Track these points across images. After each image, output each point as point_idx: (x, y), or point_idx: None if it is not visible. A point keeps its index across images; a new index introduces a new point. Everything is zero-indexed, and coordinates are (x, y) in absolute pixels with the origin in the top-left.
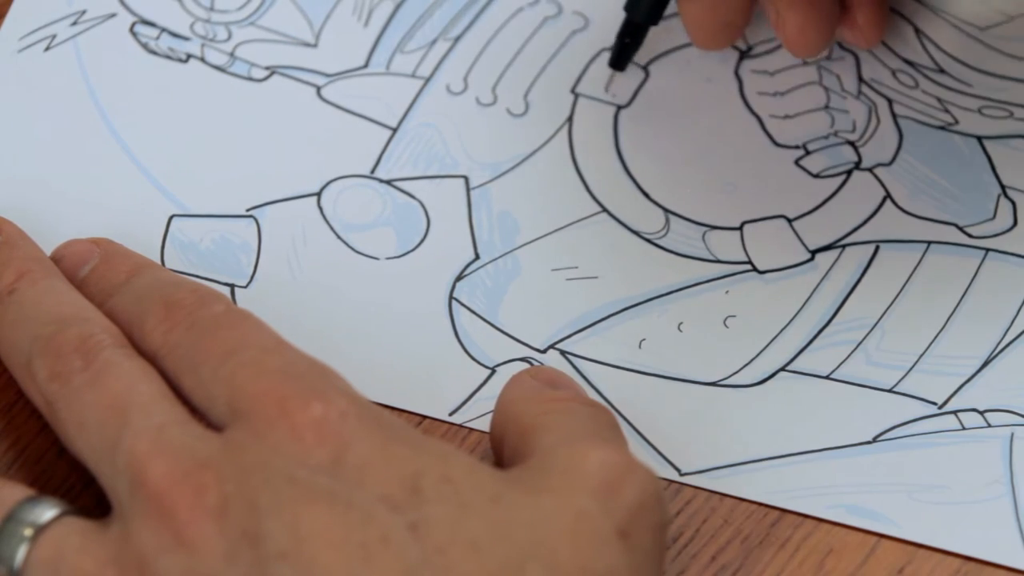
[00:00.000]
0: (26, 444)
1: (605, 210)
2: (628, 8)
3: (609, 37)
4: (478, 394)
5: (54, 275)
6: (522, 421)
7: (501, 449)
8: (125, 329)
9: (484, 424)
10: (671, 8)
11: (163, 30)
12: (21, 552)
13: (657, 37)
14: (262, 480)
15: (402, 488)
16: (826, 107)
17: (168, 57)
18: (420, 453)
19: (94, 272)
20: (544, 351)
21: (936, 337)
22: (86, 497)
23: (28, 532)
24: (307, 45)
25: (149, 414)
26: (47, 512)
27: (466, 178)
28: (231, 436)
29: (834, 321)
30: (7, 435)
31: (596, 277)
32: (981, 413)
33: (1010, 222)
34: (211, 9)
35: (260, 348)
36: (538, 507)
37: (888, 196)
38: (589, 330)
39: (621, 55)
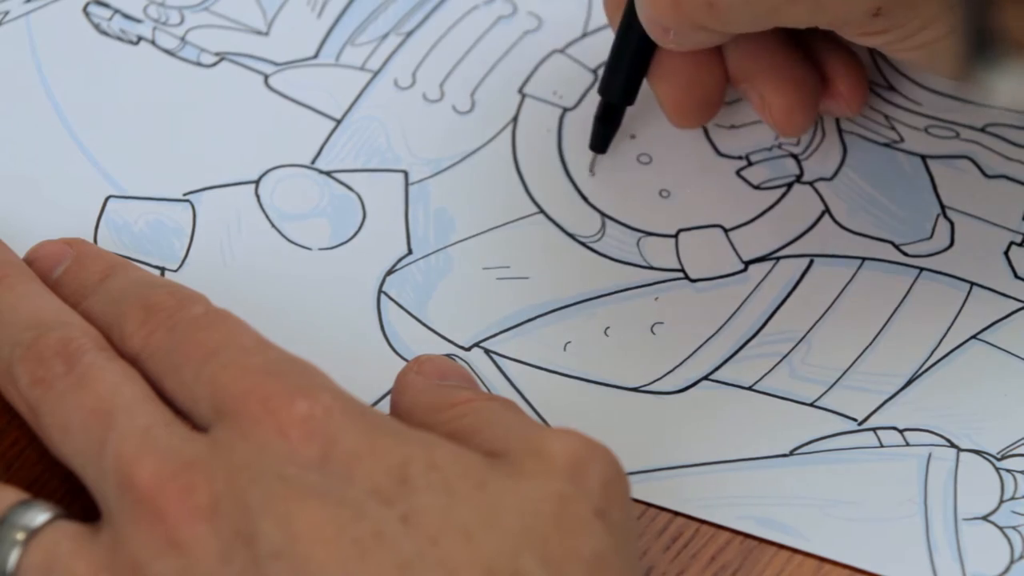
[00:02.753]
0: (25, 445)
1: (542, 211)
2: (602, 91)
3: (561, 39)
4: None
5: (30, 279)
6: (439, 431)
7: None
8: (103, 331)
9: None
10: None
11: (116, 11)
12: (13, 556)
13: (607, 43)
14: (251, 479)
15: (391, 479)
16: None
17: (119, 39)
18: (405, 443)
19: (67, 273)
20: (469, 349)
21: (862, 354)
22: (88, 496)
23: (20, 536)
24: (259, 33)
25: (134, 416)
26: (39, 516)
27: (406, 173)
28: (217, 436)
29: (761, 333)
30: (7, 435)
31: (527, 278)
32: (900, 432)
33: (946, 242)
34: None
35: (241, 348)
36: (523, 492)
37: (827, 210)
38: (515, 330)
39: (600, 137)
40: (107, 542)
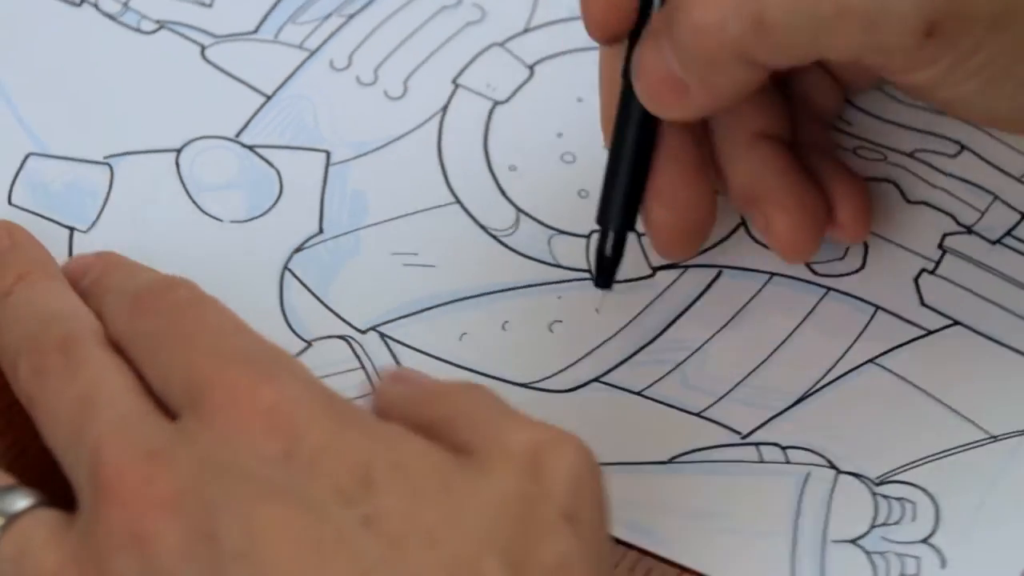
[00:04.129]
0: (25, 445)
1: (458, 202)
2: (600, 219)
3: (502, 32)
4: None
5: (53, 276)
6: (414, 422)
7: None
8: (111, 331)
9: None
10: None
11: None
12: None
13: (547, 40)
14: (214, 474)
15: (353, 479)
16: None
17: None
18: (371, 438)
19: (91, 282)
20: (364, 332)
21: (756, 369)
22: None
23: None
24: (202, 4)
25: (115, 405)
26: (19, 502)
27: (328, 153)
28: (183, 425)
29: (659, 339)
30: (7, 435)
31: (434, 266)
32: (783, 449)
33: (858, 264)
34: None
35: (217, 332)
36: (486, 494)
37: (743, 223)
38: (414, 317)
39: (606, 272)
40: (78, 533)
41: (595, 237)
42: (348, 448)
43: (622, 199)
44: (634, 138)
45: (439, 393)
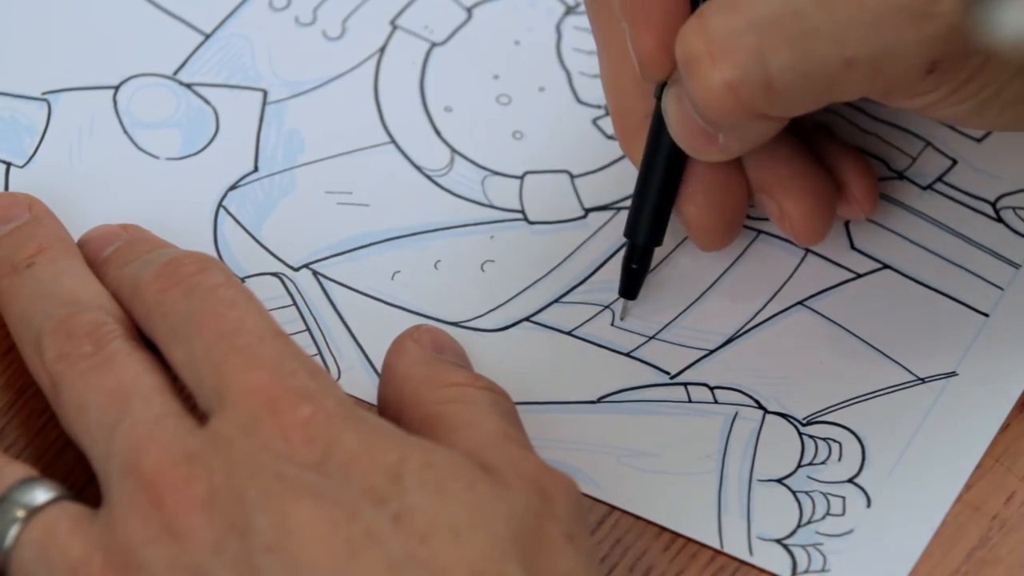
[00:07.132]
0: (25, 444)
1: (393, 142)
2: (628, 233)
3: None
4: None
5: (74, 256)
6: (422, 408)
7: (398, 424)
8: (127, 294)
9: None
10: None
11: None
12: (12, 532)
13: None
14: (250, 475)
15: (385, 478)
16: None
17: None
18: (402, 444)
19: (116, 251)
20: (297, 269)
21: (686, 309)
22: (86, 495)
23: (21, 513)
24: None
25: (149, 404)
26: (42, 495)
27: (265, 92)
28: (219, 429)
29: (590, 280)
30: (7, 434)
31: (367, 205)
32: (711, 389)
33: None
34: None
35: (256, 335)
36: (506, 503)
37: None
38: (347, 255)
39: (631, 282)
40: (104, 524)
41: (528, 177)
42: (380, 451)
43: (651, 217)
44: (664, 162)
45: (457, 386)
